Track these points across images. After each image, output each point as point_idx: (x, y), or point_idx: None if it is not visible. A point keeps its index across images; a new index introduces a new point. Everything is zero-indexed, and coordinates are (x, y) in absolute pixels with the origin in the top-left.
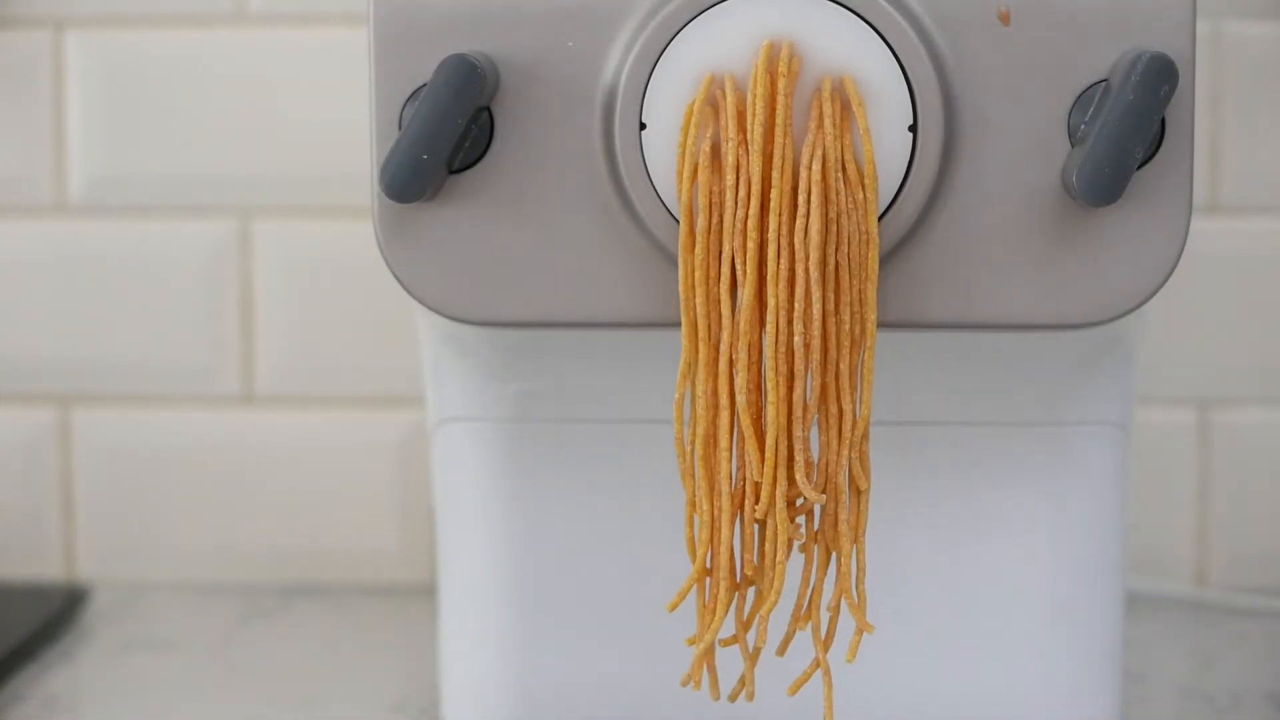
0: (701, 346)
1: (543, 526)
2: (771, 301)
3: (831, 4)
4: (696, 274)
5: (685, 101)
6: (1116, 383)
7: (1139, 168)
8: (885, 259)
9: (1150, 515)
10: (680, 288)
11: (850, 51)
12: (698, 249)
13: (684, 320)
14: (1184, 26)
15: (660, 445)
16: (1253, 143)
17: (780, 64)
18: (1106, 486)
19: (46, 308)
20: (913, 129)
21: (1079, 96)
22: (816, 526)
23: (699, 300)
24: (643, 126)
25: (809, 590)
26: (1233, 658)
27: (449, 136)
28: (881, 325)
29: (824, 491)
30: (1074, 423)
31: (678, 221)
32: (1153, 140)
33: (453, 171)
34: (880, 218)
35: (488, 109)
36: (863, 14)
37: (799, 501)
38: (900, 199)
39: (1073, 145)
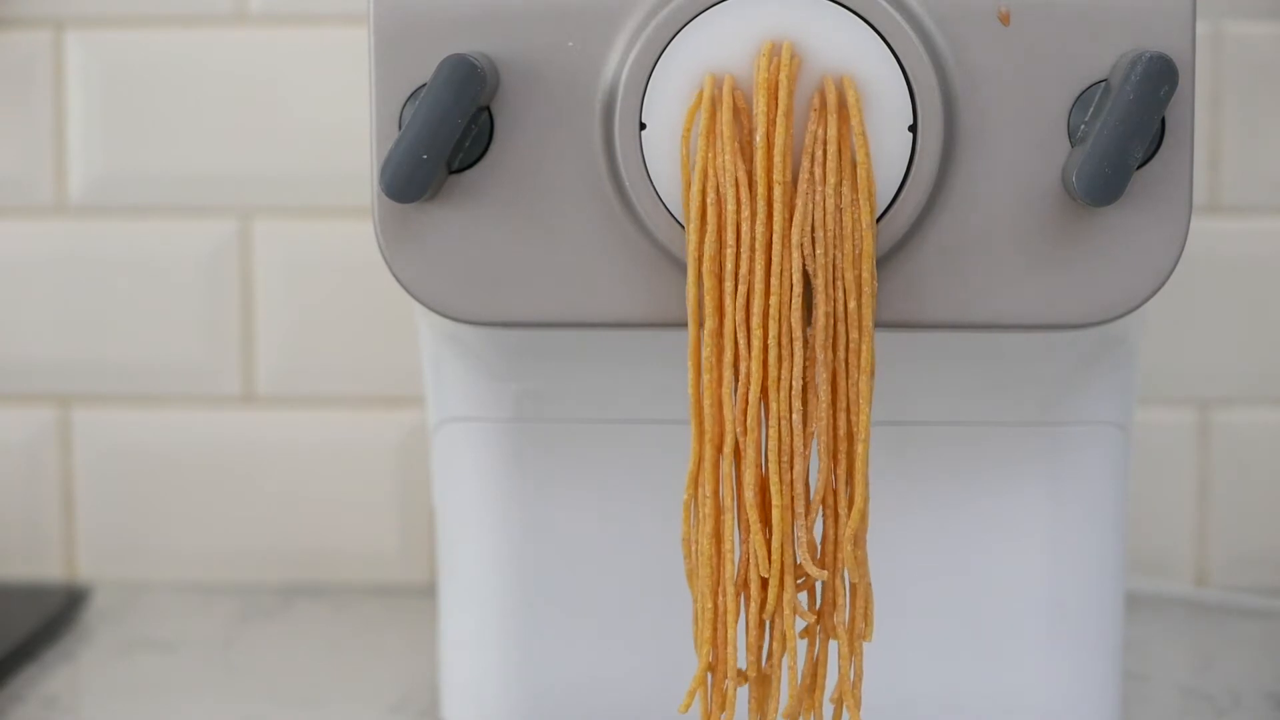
0: (708, 448)
1: (543, 526)
2: (774, 406)
3: (831, 4)
4: (706, 376)
5: (685, 101)
6: (1116, 383)
7: (1139, 168)
8: (884, 260)
9: (1150, 515)
10: (689, 389)
11: (850, 52)
12: (707, 350)
13: (693, 421)
14: (1184, 26)
15: (660, 445)
16: (1253, 143)
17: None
18: (1106, 486)
19: (46, 308)
20: (913, 129)
21: (1079, 96)
22: (819, 604)
23: (708, 403)
24: (643, 126)
25: (813, 674)
26: (1233, 658)
27: (449, 136)
28: (881, 325)
29: (825, 568)
30: (1074, 423)
31: (678, 222)
32: (1153, 140)
33: (453, 171)
34: (879, 219)
35: (488, 109)
36: (863, 14)
37: (801, 580)
38: (900, 199)
39: (1073, 145)
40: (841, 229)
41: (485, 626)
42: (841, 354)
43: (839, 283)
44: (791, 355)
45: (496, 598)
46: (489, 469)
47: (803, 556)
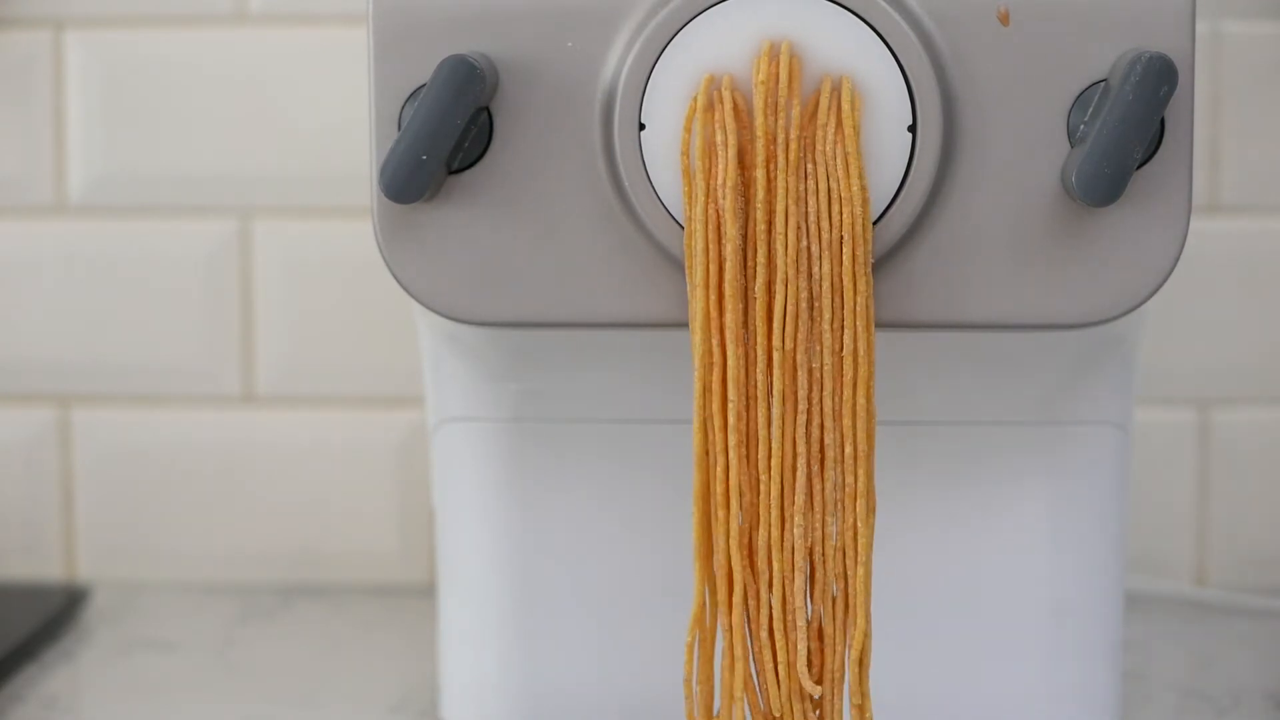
0: (721, 587)
1: (543, 526)
2: (777, 567)
3: (831, 4)
4: (728, 533)
5: (685, 102)
6: (1116, 383)
7: (1139, 168)
8: (884, 259)
9: (1150, 515)
10: (694, 529)
11: (850, 51)
12: (719, 489)
13: (696, 563)
14: (1184, 26)
15: (660, 445)
16: (1253, 143)
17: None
18: (1106, 486)
19: (46, 308)
20: (912, 129)
21: (1079, 96)
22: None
23: (718, 552)
24: (642, 126)
25: None
26: (1233, 658)
27: (448, 136)
28: (880, 326)
29: (820, 684)
30: (1074, 422)
31: (677, 222)
32: (1152, 140)
33: (452, 171)
34: (878, 219)
35: (487, 109)
36: (862, 14)
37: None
38: (899, 199)
39: (1072, 145)
40: (840, 393)
41: (485, 626)
42: (840, 492)
43: (839, 425)
44: (794, 515)
45: (496, 597)
46: (489, 469)
47: (801, 670)
